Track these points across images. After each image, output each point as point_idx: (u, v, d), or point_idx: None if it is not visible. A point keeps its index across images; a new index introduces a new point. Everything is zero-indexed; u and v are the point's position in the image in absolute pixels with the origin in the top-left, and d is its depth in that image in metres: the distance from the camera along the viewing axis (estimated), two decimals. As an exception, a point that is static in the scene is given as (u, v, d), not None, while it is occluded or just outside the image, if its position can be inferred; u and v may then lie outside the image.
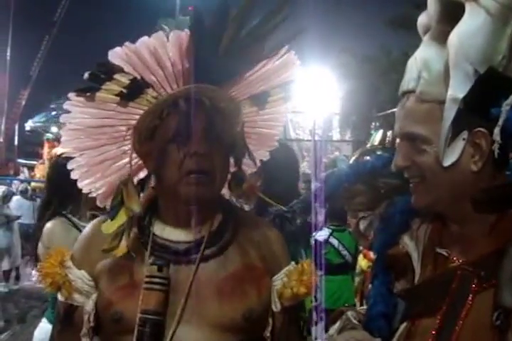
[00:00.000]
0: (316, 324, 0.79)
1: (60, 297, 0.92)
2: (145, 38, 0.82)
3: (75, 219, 1.86)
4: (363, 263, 3.17)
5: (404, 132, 0.73)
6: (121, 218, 0.88)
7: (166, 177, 0.87)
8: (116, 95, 0.85)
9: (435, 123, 0.68)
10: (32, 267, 2.18)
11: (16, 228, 6.27)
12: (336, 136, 11.26)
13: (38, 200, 7.93)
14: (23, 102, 21.71)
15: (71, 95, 0.86)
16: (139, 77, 0.84)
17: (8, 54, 21.17)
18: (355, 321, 0.84)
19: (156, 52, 0.82)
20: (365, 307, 0.89)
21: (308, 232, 0.87)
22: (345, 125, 11.31)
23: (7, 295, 5.62)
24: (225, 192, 1.00)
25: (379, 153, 1.92)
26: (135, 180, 0.95)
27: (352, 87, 10.38)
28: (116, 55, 0.83)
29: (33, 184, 9.63)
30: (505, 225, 0.68)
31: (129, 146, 0.92)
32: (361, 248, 3.10)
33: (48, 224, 1.86)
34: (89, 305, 0.89)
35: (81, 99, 0.86)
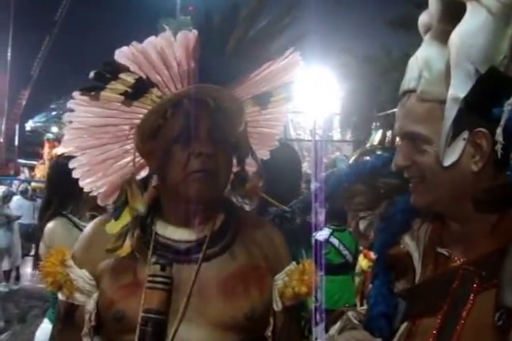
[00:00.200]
0: (317, 324, 0.79)
1: (60, 296, 0.92)
2: (152, 38, 0.82)
3: (75, 219, 1.87)
4: (363, 263, 3.18)
5: (405, 131, 0.73)
6: (126, 218, 0.88)
7: (170, 176, 0.87)
8: (121, 94, 0.86)
9: (436, 122, 0.68)
10: (32, 267, 2.19)
11: (16, 228, 6.27)
12: (336, 136, 11.27)
13: (38, 200, 7.95)
14: (24, 102, 21.73)
15: (75, 94, 0.86)
16: (144, 77, 0.85)
17: (9, 54, 21.19)
18: (355, 321, 0.84)
19: (163, 52, 0.82)
20: (365, 307, 0.89)
21: (309, 232, 0.87)
22: (346, 125, 11.32)
23: (7, 295, 5.62)
24: (227, 191, 1.00)
25: (379, 153, 1.92)
26: (137, 179, 0.95)
27: (352, 87, 10.39)
28: (122, 55, 0.83)
29: (33, 184, 9.63)
30: (507, 225, 0.68)
31: (132, 145, 0.92)
32: (361, 248, 3.10)
33: (50, 224, 1.87)
34: (90, 305, 0.89)
35: (85, 97, 0.86)
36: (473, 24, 0.65)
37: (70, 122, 0.91)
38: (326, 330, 0.84)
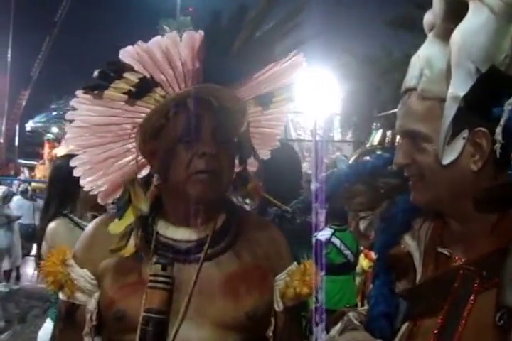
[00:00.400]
0: (317, 324, 0.79)
1: (61, 296, 0.92)
2: (158, 38, 0.82)
3: (77, 219, 1.88)
4: (364, 263, 3.18)
5: (405, 129, 0.73)
6: (129, 218, 0.88)
7: (173, 176, 0.87)
8: (125, 93, 0.85)
9: (436, 121, 0.68)
10: (35, 267, 2.20)
11: (16, 228, 6.27)
12: (337, 136, 11.26)
13: (39, 200, 7.95)
14: (24, 103, 21.75)
15: (79, 92, 0.86)
16: (148, 76, 0.84)
17: (9, 54, 21.22)
18: (356, 322, 0.84)
19: (168, 51, 0.82)
20: (366, 307, 0.89)
21: (309, 232, 0.87)
22: (347, 125, 11.32)
23: (8, 295, 5.63)
24: (228, 191, 1.00)
25: (379, 153, 1.91)
26: (139, 178, 0.95)
27: (353, 87, 10.38)
28: (127, 54, 0.82)
29: (33, 184, 9.64)
30: (508, 224, 0.67)
31: (133, 144, 0.92)
32: (362, 248, 3.10)
33: (51, 224, 1.88)
34: (91, 304, 0.89)
35: (88, 96, 0.86)
36: (475, 23, 0.65)
37: (72, 121, 0.90)
38: (327, 331, 0.84)
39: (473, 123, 0.67)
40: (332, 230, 2.96)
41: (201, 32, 0.82)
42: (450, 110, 0.67)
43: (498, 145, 0.64)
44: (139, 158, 0.94)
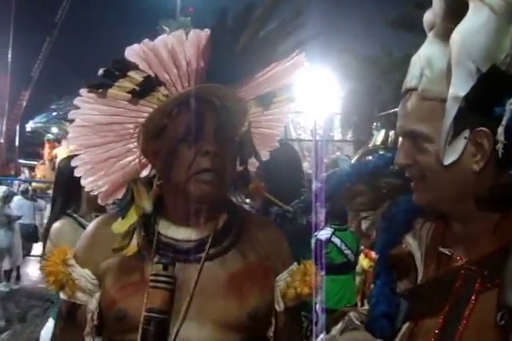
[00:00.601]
0: (317, 324, 0.79)
1: (62, 295, 0.92)
2: (164, 36, 0.82)
3: (81, 219, 1.89)
4: (364, 262, 3.17)
5: (406, 130, 0.72)
6: (132, 217, 0.87)
7: (176, 175, 0.87)
8: (128, 92, 0.85)
9: (437, 121, 0.68)
10: (40, 267, 2.22)
11: (16, 228, 6.28)
12: (337, 136, 11.27)
13: (39, 201, 7.97)
14: (24, 103, 21.76)
15: (83, 91, 0.86)
16: (152, 75, 0.84)
17: (10, 55, 21.23)
18: (357, 322, 0.84)
19: (174, 50, 0.82)
20: (366, 307, 0.89)
21: (310, 232, 0.87)
22: (347, 125, 11.32)
23: (8, 295, 5.63)
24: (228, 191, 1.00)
25: (381, 152, 1.91)
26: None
27: (353, 87, 10.39)
28: (133, 52, 0.82)
29: (33, 184, 9.64)
30: (509, 224, 0.67)
31: (135, 144, 0.92)
32: (362, 247, 3.10)
33: (56, 224, 1.90)
34: (92, 304, 0.89)
35: (92, 95, 0.86)
36: (475, 22, 0.65)
37: (75, 120, 0.90)
38: (327, 331, 0.84)
39: (474, 123, 0.66)
40: (332, 230, 2.96)
41: (207, 30, 0.82)
42: (451, 110, 0.66)
43: (500, 145, 0.64)
44: (141, 157, 0.93)
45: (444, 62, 0.68)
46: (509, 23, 0.65)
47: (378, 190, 0.87)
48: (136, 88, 0.84)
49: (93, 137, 0.91)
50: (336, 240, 3.00)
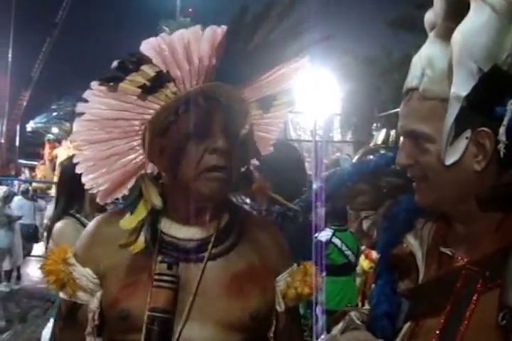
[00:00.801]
0: (317, 324, 0.79)
1: (63, 295, 0.91)
2: (182, 30, 0.81)
3: (84, 219, 1.89)
4: (364, 263, 3.17)
5: (407, 130, 0.72)
6: (141, 213, 0.86)
7: (183, 173, 0.86)
8: (139, 87, 0.84)
9: (438, 121, 0.68)
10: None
11: (17, 228, 6.28)
12: (336, 136, 11.26)
13: (39, 201, 7.97)
14: (24, 103, 21.78)
15: (94, 84, 0.84)
16: (164, 71, 0.83)
17: (10, 55, 21.24)
18: (358, 321, 0.84)
19: (189, 46, 0.81)
20: (368, 307, 0.89)
21: (310, 232, 0.87)
22: (347, 126, 11.32)
23: (8, 295, 5.63)
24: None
25: (382, 152, 1.91)
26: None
27: (353, 87, 10.39)
28: (149, 46, 0.81)
29: (34, 184, 9.65)
30: (511, 224, 0.67)
31: (138, 142, 0.91)
32: (363, 248, 3.10)
33: (58, 224, 1.91)
34: (94, 303, 0.88)
35: (103, 88, 0.84)
36: (476, 22, 0.64)
37: (82, 114, 0.88)
38: (328, 331, 0.84)
39: (475, 123, 0.66)
40: (332, 230, 2.96)
41: (224, 27, 0.81)
42: (452, 110, 0.66)
43: (501, 145, 0.64)
44: (142, 156, 0.93)
45: (445, 62, 0.68)
46: (510, 22, 0.64)
47: (379, 189, 0.87)
48: (147, 83, 0.83)
49: (98, 132, 0.90)
50: (337, 241, 2.99)
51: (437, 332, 0.69)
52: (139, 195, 0.87)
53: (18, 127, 22.13)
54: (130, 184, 0.97)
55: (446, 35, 0.68)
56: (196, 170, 0.84)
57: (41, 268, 0.90)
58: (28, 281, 6.26)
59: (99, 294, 0.88)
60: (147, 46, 0.81)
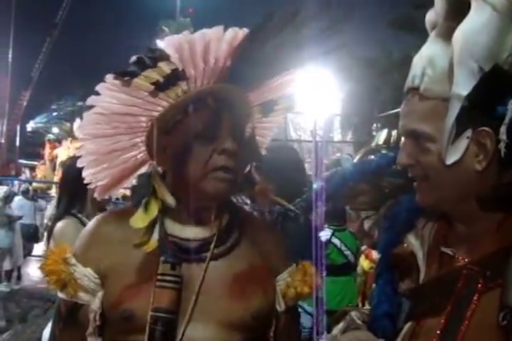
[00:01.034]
0: (318, 325, 0.79)
1: (64, 295, 0.91)
2: (205, 30, 0.81)
3: (85, 220, 1.90)
4: (364, 264, 3.18)
5: (408, 129, 0.72)
6: (153, 212, 0.85)
7: (188, 173, 0.86)
8: (152, 83, 0.83)
9: (439, 120, 0.68)
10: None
11: (17, 228, 6.27)
12: (337, 137, 11.27)
13: (40, 201, 7.97)
14: (25, 103, 21.79)
15: (108, 77, 0.83)
16: (180, 69, 0.83)
17: (10, 55, 21.26)
18: (358, 321, 0.84)
19: (209, 46, 0.81)
20: (368, 307, 0.89)
21: (310, 232, 0.87)
22: (347, 126, 11.32)
23: (9, 295, 5.63)
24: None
25: (383, 152, 1.92)
26: (136, 174, 0.95)
27: (353, 88, 10.39)
28: (170, 42, 0.81)
29: (34, 184, 9.64)
30: (512, 224, 0.67)
31: (142, 138, 0.91)
32: (363, 248, 3.10)
33: (60, 224, 1.91)
34: (95, 303, 0.87)
35: (117, 82, 0.83)
36: (477, 21, 0.64)
37: (91, 107, 0.87)
38: (329, 331, 0.84)
39: (476, 122, 0.66)
40: (331, 230, 2.96)
41: (245, 30, 0.81)
42: (453, 109, 0.66)
43: (502, 145, 0.64)
44: (142, 154, 0.93)
45: (446, 62, 0.68)
46: (511, 22, 0.64)
47: (380, 189, 0.87)
48: (161, 80, 0.83)
49: (104, 127, 0.89)
50: (336, 241, 2.99)
51: (438, 332, 0.69)
52: (152, 193, 0.86)
53: (18, 127, 22.15)
54: (128, 181, 0.97)
55: (447, 35, 0.68)
56: (204, 170, 0.84)
57: (41, 268, 0.89)
58: (28, 281, 6.26)
59: (100, 294, 0.88)
60: (168, 43, 0.81)
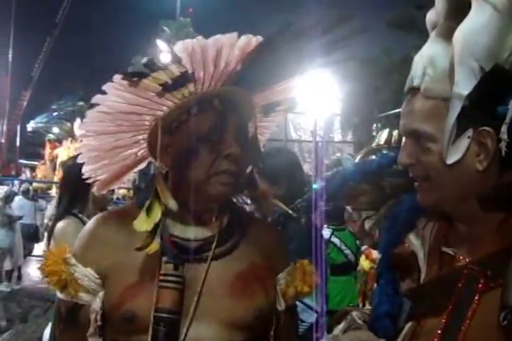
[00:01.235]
0: (319, 325, 0.79)
1: (63, 295, 0.90)
2: (219, 36, 0.81)
3: (86, 220, 1.89)
4: (365, 264, 3.18)
5: (409, 129, 0.72)
6: (157, 215, 0.85)
7: (191, 174, 0.86)
8: (160, 85, 0.83)
9: (440, 120, 0.68)
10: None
11: (17, 228, 6.28)
12: (337, 137, 11.28)
13: (40, 201, 7.97)
14: (25, 103, 21.80)
15: (116, 77, 0.83)
16: (190, 71, 0.83)
17: (10, 55, 21.26)
18: (359, 321, 0.84)
19: (221, 51, 0.81)
20: (369, 307, 0.89)
21: (311, 231, 0.87)
22: (347, 126, 11.33)
23: (9, 295, 5.64)
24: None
25: (384, 152, 1.92)
26: (134, 171, 0.96)
27: (353, 88, 10.39)
28: (182, 46, 0.81)
29: (34, 184, 9.65)
30: (513, 224, 0.67)
31: (144, 136, 0.91)
32: (363, 248, 3.10)
33: (60, 223, 1.91)
34: (96, 304, 0.87)
35: (125, 82, 0.83)
36: (478, 21, 0.64)
37: (96, 105, 0.87)
38: (329, 331, 0.84)
39: (477, 122, 0.66)
40: (331, 230, 2.96)
41: (259, 38, 0.82)
42: (454, 109, 0.66)
43: (503, 144, 0.64)
44: (142, 151, 0.93)
45: (446, 61, 0.68)
46: (512, 21, 0.64)
47: (381, 189, 0.87)
48: (169, 81, 0.83)
49: (108, 124, 0.89)
50: (336, 240, 3.00)
51: (439, 331, 0.69)
52: (155, 196, 0.86)
53: (18, 127, 22.16)
54: (126, 177, 0.98)
55: (447, 35, 0.68)
56: (207, 173, 0.85)
57: (41, 269, 0.89)
58: (28, 281, 6.26)
59: (101, 294, 0.88)
60: (180, 46, 0.81)
